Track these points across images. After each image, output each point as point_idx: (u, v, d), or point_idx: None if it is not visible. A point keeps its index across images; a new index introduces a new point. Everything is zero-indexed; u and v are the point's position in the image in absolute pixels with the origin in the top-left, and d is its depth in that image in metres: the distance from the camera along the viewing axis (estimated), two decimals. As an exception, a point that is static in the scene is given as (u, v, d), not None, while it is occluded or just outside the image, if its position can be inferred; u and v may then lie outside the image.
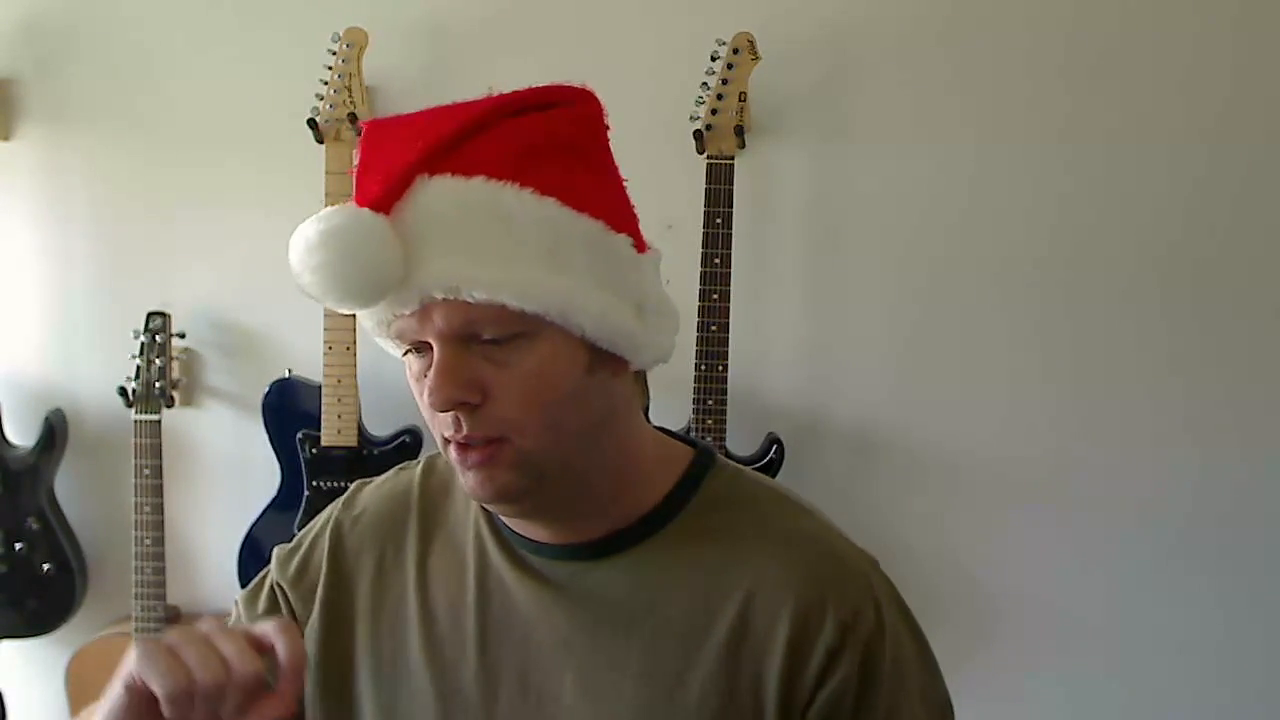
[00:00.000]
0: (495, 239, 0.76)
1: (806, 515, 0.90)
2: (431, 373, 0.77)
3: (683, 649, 0.83)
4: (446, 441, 0.80)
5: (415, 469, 0.99)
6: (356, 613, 0.92)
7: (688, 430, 1.82)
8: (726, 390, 1.80)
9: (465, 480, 0.81)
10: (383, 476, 1.00)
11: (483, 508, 0.91)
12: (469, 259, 0.75)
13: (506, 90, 0.80)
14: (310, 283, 0.77)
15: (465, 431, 0.78)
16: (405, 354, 0.81)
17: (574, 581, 0.86)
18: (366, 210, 0.76)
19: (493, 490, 0.80)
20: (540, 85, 0.81)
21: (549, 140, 0.79)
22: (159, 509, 1.92)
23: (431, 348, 0.78)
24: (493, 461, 0.78)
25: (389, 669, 0.90)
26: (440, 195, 0.76)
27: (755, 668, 0.82)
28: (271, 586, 0.96)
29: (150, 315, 1.93)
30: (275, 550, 0.99)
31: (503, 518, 0.88)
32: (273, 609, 0.95)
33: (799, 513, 0.90)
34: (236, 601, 1.00)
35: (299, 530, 0.98)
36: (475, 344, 0.77)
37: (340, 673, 0.92)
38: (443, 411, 0.77)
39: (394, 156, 0.77)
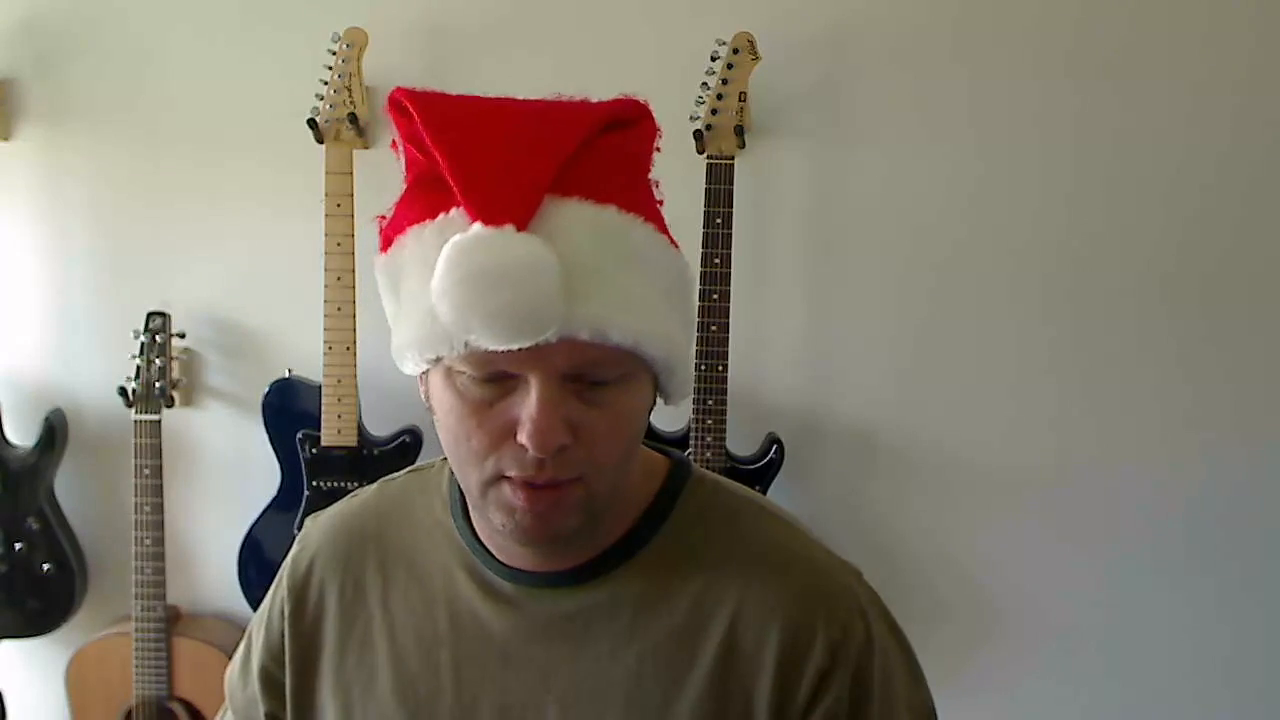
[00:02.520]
0: (634, 279, 0.73)
1: (787, 528, 0.87)
2: (536, 413, 0.70)
3: (669, 674, 0.81)
4: (501, 479, 0.74)
5: (368, 495, 0.96)
6: (323, 655, 0.90)
7: (688, 430, 1.82)
8: (726, 390, 1.80)
9: (514, 520, 0.75)
10: (331, 508, 0.96)
11: (455, 537, 0.88)
12: (616, 300, 0.71)
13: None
14: (481, 327, 0.68)
15: (551, 474, 0.72)
16: (460, 372, 0.74)
17: (553, 610, 0.83)
18: (535, 239, 0.68)
19: (551, 533, 0.76)
20: (613, 99, 0.76)
21: (642, 165, 0.78)
22: (159, 509, 1.92)
23: (510, 378, 0.72)
24: (560, 504, 0.74)
25: (359, 708, 0.87)
26: (578, 223, 0.71)
27: (744, 691, 0.80)
28: (257, 666, 0.95)
29: (150, 315, 1.93)
30: (254, 619, 0.98)
31: (486, 541, 0.85)
32: (263, 683, 0.94)
33: (779, 526, 0.87)
34: (229, 677, 1.00)
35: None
36: (570, 382, 0.72)
37: (310, 716, 0.91)
38: (545, 454, 0.71)
39: (515, 169, 0.70)
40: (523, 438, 0.71)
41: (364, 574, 0.90)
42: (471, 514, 0.86)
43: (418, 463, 1.01)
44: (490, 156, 0.70)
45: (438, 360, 0.74)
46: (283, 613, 0.92)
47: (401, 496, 0.93)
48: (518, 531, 0.76)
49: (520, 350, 0.69)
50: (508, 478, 0.74)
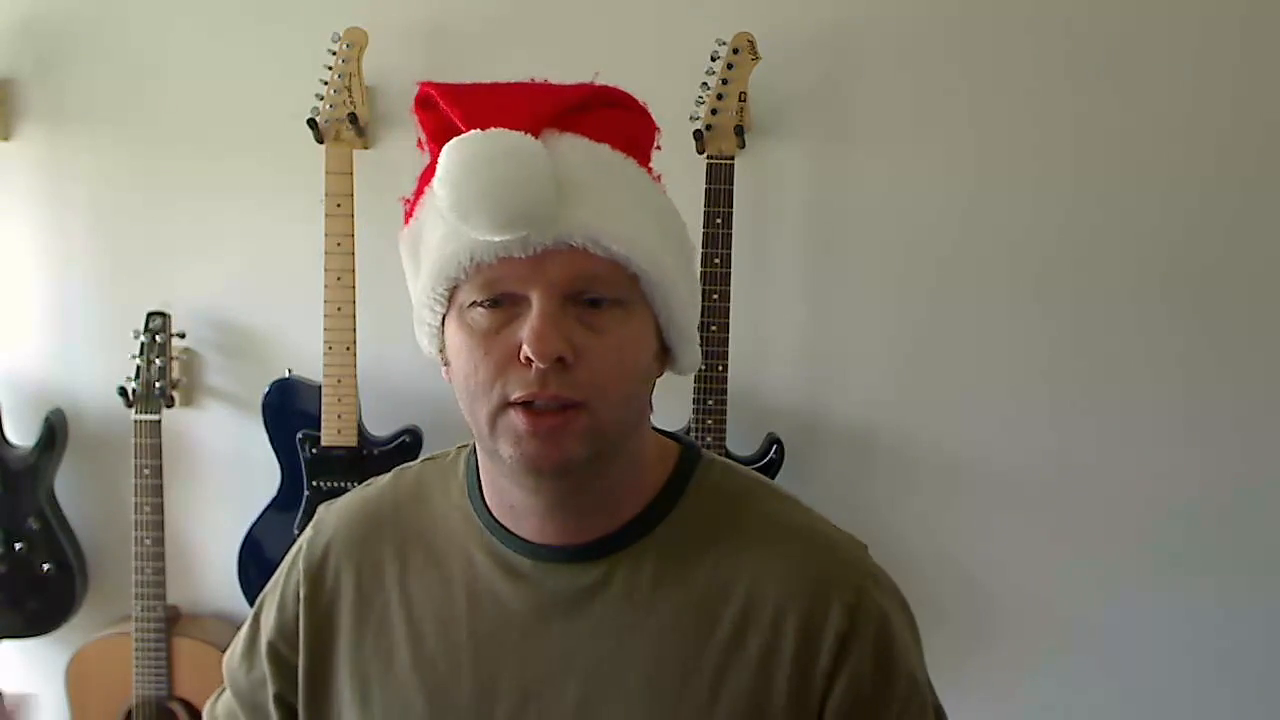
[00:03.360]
0: (627, 201, 0.79)
1: (795, 505, 0.90)
2: (536, 322, 0.75)
3: (687, 650, 0.82)
4: (507, 405, 0.77)
5: (384, 482, 0.97)
6: (339, 638, 0.91)
7: (688, 430, 1.82)
8: (726, 390, 1.80)
9: (519, 449, 0.77)
10: (346, 496, 0.98)
11: (472, 518, 0.89)
12: (608, 211, 0.77)
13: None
14: (476, 207, 0.74)
15: (553, 390, 0.75)
16: (470, 306, 0.78)
17: (571, 584, 0.84)
18: (530, 138, 0.76)
19: (558, 459, 0.77)
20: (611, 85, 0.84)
21: (642, 136, 0.84)
22: (159, 509, 1.92)
23: (515, 303, 0.77)
24: (565, 429, 0.77)
25: (377, 690, 0.88)
26: (575, 149, 0.78)
27: (763, 662, 0.82)
28: (266, 645, 0.95)
29: (150, 315, 1.93)
30: (258, 603, 0.98)
31: (503, 518, 0.87)
32: (272, 662, 0.94)
33: (787, 504, 0.90)
34: (229, 663, 1.00)
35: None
36: (571, 306, 0.77)
37: (324, 699, 0.91)
38: (544, 363, 0.74)
39: (518, 106, 0.78)
40: (524, 350, 0.75)
41: (381, 558, 0.91)
42: (486, 492, 0.88)
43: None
44: (496, 102, 0.78)
45: (451, 299, 0.79)
46: (298, 595, 0.93)
47: (418, 483, 0.95)
48: (524, 460, 0.78)
49: (521, 263, 0.75)
50: (513, 403, 0.77)
